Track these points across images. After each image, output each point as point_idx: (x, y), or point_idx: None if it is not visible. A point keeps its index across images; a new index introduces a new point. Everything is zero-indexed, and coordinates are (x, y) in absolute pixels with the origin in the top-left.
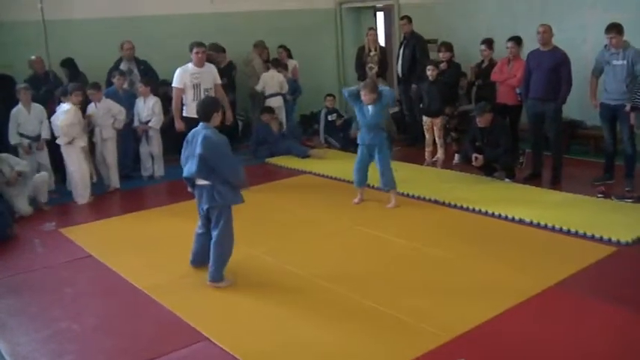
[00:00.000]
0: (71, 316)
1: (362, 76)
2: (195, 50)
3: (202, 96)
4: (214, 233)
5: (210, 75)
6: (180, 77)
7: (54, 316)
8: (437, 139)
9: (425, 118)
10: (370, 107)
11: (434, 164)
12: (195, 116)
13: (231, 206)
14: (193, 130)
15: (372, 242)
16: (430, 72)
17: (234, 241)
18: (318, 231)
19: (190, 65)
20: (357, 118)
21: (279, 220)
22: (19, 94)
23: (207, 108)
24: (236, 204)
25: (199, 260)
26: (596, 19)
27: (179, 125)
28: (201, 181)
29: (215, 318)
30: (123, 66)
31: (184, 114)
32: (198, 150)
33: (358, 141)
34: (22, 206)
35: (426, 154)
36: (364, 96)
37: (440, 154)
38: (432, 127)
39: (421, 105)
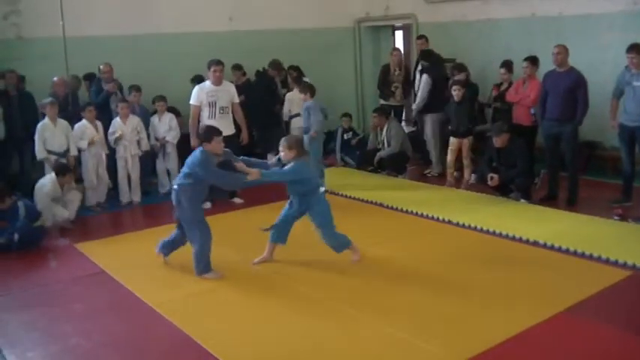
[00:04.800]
0: (81, 331)
1: (386, 94)
2: (213, 69)
3: (218, 114)
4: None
5: (228, 94)
6: (198, 95)
7: (64, 331)
8: (464, 159)
9: (452, 140)
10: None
11: (457, 184)
12: None
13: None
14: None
15: (376, 258)
16: (456, 92)
17: (209, 237)
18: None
19: (208, 83)
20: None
21: None
22: (46, 109)
23: (201, 136)
24: (195, 218)
25: (164, 248)
26: (615, 39)
27: (194, 142)
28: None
29: (224, 337)
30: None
31: None
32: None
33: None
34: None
35: (448, 175)
36: (281, 152)
37: (466, 174)
38: (457, 147)
39: (449, 127)
